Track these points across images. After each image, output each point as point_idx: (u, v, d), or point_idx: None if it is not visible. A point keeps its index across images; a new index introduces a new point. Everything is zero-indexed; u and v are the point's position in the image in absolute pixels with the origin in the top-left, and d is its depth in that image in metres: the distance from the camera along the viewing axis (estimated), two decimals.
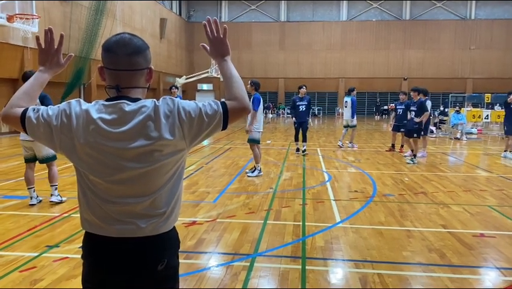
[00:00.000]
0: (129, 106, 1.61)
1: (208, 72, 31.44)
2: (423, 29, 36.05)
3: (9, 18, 10.45)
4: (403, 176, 8.98)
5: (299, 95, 11.69)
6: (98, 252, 1.66)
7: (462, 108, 19.57)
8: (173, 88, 11.67)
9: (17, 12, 10.93)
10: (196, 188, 7.57)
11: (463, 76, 36.13)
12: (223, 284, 3.67)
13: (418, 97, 10.80)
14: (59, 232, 4.96)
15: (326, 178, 8.56)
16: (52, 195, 6.25)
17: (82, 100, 1.67)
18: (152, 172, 1.62)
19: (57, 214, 5.66)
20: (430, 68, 36.03)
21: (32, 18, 11.31)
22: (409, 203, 6.61)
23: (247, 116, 1.80)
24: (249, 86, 8.60)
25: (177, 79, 29.48)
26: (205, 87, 38.11)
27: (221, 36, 1.89)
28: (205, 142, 15.94)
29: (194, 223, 5.40)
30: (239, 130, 20.35)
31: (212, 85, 37.96)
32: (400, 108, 12.31)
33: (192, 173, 9.01)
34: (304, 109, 11.61)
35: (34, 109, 1.68)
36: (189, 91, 37.33)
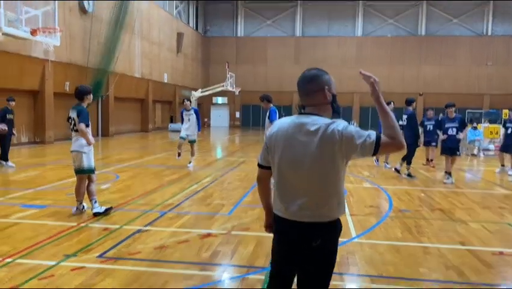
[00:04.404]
0: None
1: (223, 86, 31.76)
2: (439, 45, 35.90)
3: (33, 32, 10.74)
4: (419, 191, 8.89)
5: None
6: None
7: (479, 124, 19.33)
8: (186, 100, 11.83)
9: (40, 26, 11.24)
10: (211, 200, 7.61)
11: (480, 92, 35.76)
12: None
13: (454, 113, 10.18)
14: (76, 242, 5.03)
15: None
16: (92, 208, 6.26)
17: None
18: None
19: (75, 224, 5.73)
20: (446, 84, 35.76)
21: (55, 32, 11.61)
22: (425, 219, 6.54)
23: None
24: (263, 102, 8.70)
25: (193, 92, 29.83)
26: (220, 100, 38.43)
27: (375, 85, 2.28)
28: (219, 155, 16.01)
29: (209, 235, 5.42)
30: (253, 143, 20.41)
31: (227, 98, 38.24)
32: (430, 124, 12.34)
33: (207, 185, 9.05)
34: None
35: None
36: (204, 104, 37.66)
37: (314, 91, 2.33)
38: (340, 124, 2.20)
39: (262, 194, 2.64)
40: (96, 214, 6.13)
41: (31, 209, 6.59)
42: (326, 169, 2.22)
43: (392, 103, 12.01)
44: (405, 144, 2.18)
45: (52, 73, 17.47)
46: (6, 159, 10.92)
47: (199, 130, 11.81)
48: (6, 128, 10.87)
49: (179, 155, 11.76)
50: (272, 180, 2.51)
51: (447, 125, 10.05)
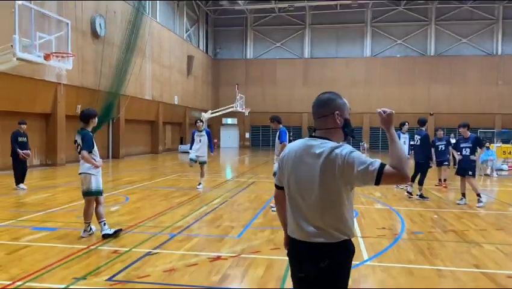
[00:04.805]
0: None
1: (232, 107, 31.98)
2: (449, 65, 35.87)
3: (46, 57, 10.97)
4: (432, 213, 8.75)
5: None
6: None
7: (491, 144, 19.12)
8: (199, 121, 11.84)
9: (53, 51, 11.50)
10: (221, 222, 7.56)
11: (491, 112, 35.46)
12: None
13: (469, 133, 9.93)
14: (86, 265, 5.01)
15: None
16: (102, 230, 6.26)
17: None
18: None
19: (84, 246, 5.72)
20: (457, 104, 35.56)
21: (68, 57, 11.85)
22: (439, 241, 6.41)
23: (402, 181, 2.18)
24: (273, 123, 8.77)
25: (203, 113, 30.03)
26: (229, 121, 38.63)
27: (387, 116, 2.30)
28: (229, 176, 16.00)
29: (218, 258, 5.37)
30: (263, 164, 20.39)
31: (237, 119, 38.44)
32: (441, 144, 12.19)
33: (216, 207, 9.02)
34: None
35: None
36: (214, 125, 37.86)
37: (324, 116, 2.37)
38: (345, 149, 2.21)
39: (279, 214, 2.70)
40: (105, 236, 6.12)
41: (42, 231, 6.61)
42: (329, 192, 2.24)
43: (407, 123, 11.96)
44: (409, 176, 2.17)
45: (64, 96, 17.76)
46: (20, 182, 11.04)
47: (211, 151, 11.80)
48: (29, 152, 11.04)
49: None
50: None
51: (461, 145, 9.95)
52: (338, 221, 2.27)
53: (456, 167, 10.38)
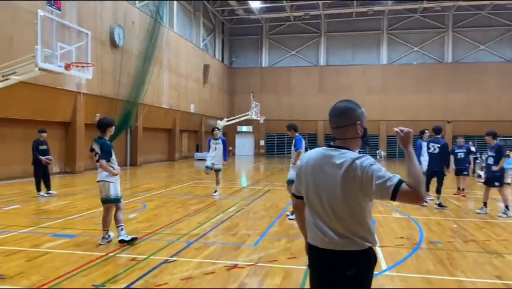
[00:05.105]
0: None
1: (248, 115, 32.09)
2: (467, 72, 35.39)
3: (67, 67, 11.22)
4: (451, 222, 8.61)
5: None
6: None
7: (511, 152, 18.74)
8: (216, 129, 11.96)
9: (73, 61, 11.74)
10: (237, 230, 7.57)
11: (511, 119, 34.82)
12: None
13: (495, 141, 9.61)
14: (104, 272, 5.06)
15: None
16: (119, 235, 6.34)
17: None
18: None
19: (103, 254, 5.79)
20: (475, 111, 35.01)
21: (87, 66, 12.09)
22: (459, 251, 6.30)
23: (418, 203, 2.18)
24: (290, 131, 8.78)
25: (218, 121, 30.20)
26: (244, 128, 38.76)
27: (405, 135, 2.29)
28: (244, 184, 16.02)
29: (235, 266, 5.37)
30: (278, 172, 20.35)
31: (252, 127, 38.54)
32: (461, 152, 12.01)
33: (232, 215, 9.03)
34: None
35: None
36: (229, 133, 38.02)
37: (345, 126, 2.36)
38: (366, 160, 2.21)
39: (299, 223, 2.69)
40: (121, 241, 6.18)
41: (61, 238, 6.71)
42: (351, 201, 2.24)
43: (427, 131, 11.74)
44: (424, 197, 2.18)
45: (83, 105, 18.07)
46: (47, 189, 11.28)
47: (225, 159, 11.88)
48: (51, 157, 11.25)
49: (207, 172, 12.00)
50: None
51: (488, 154, 9.81)
52: (362, 229, 2.27)
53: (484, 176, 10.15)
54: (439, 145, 10.36)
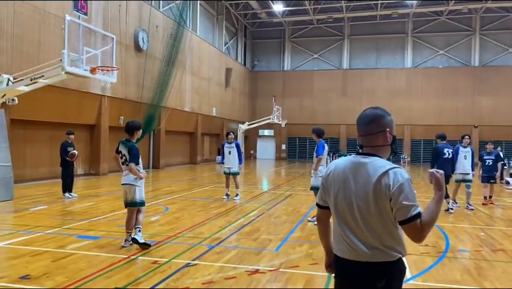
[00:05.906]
0: None
1: (269, 118, 32.08)
2: (494, 75, 34.49)
3: (92, 70, 11.42)
4: (479, 230, 8.36)
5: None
6: None
7: None
8: (231, 134, 12.05)
9: (99, 65, 11.95)
10: (258, 234, 7.54)
11: None
12: None
13: None
14: (126, 275, 5.10)
15: None
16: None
17: None
18: None
19: (125, 256, 5.84)
20: (503, 116, 34.07)
21: (112, 70, 12.29)
22: (487, 260, 6.11)
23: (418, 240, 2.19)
24: (314, 135, 8.72)
25: (240, 125, 30.29)
26: (266, 132, 38.74)
27: (441, 176, 2.24)
28: (265, 188, 15.98)
29: (256, 271, 5.33)
30: (299, 176, 20.24)
31: (273, 131, 38.48)
32: (490, 159, 11.67)
33: (254, 219, 9.00)
34: None
35: None
36: (251, 137, 38.08)
37: (374, 133, 2.32)
38: (400, 175, 2.16)
39: (321, 234, 2.60)
40: (134, 240, 6.23)
41: (85, 240, 6.81)
42: (383, 211, 2.19)
43: (467, 137, 11.08)
44: (422, 240, 2.18)
45: (108, 108, 18.40)
46: (68, 191, 11.49)
47: (240, 162, 11.90)
48: (76, 152, 11.46)
49: (227, 196, 11.87)
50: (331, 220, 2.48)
51: None
52: (393, 240, 2.22)
53: None
54: (452, 150, 10.48)
